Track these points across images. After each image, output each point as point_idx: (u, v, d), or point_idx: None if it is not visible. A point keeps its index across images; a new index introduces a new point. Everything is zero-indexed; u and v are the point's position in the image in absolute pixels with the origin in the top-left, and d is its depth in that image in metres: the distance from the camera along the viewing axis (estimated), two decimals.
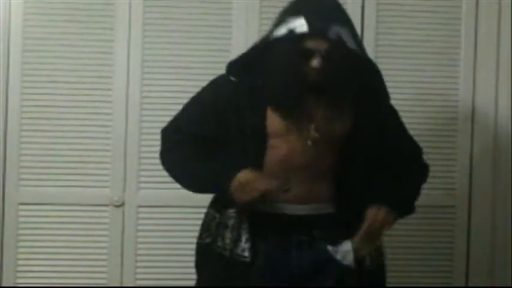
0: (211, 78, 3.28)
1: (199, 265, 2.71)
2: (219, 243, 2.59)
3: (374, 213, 2.50)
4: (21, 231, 3.29)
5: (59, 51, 3.30)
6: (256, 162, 2.51)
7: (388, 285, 3.40)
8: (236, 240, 2.54)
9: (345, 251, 2.55)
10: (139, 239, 3.32)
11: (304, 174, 2.53)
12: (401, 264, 3.37)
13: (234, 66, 2.60)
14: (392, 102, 3.41)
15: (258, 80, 2.53)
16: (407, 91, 3.41)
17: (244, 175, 2.46)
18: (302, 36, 2.42)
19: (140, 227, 3.32)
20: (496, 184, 3.44)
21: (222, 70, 3.29)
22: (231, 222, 2.58)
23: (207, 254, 2.65)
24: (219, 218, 2.62)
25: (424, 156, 3.43)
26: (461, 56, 3.43)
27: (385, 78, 3.37)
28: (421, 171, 2.75)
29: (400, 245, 3.38)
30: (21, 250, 3.30)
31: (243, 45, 3.28)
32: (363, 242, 2.53)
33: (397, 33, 3.41)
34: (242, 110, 2.53)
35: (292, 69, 2.45)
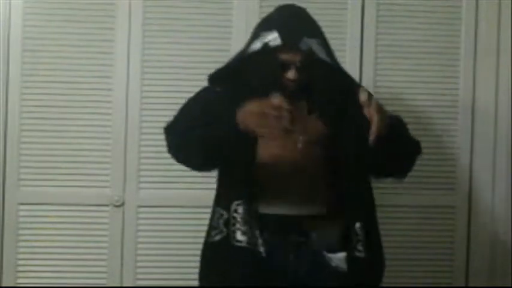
0: None
1: (212, 264, 2.69)
2: (239, 237, 2.60)
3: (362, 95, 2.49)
4: (21, 231, 3.30)
5: (59, 51, 3.30)
6: (249, 160, 2.58)
7: (388, 285, 3.41)
8: (251, 234, 2.59)
9: (339, 258, 2.62)
10: (139, 239, 3.32)
11: (298, 177, 2.59)
12: (401, 264, 3.37)
13: (214, 78, 2.73)
14: (392, 102, 3.43)
15: (240, 90, 2.61)
16: (408, 91, 3.41)
17: (249, 104, 2.46)
18: (276, 49, 2.55)
19: (140, 227, 3.32)
20: (496, 184, 3.44)
21: None
22: (239, 216, 2.60)
23: (222, 251, 2.65)
24: (226, 215, 2.63)
25: (424, 156, 3.44)
26: (461, 56, 3.43)
27: (385, 78, 3.41)
28: (413, 143, 2.75)
29: (400, 245, 3.38)
30: (21, 250, 3.30)
31: (243, 45, 3.28)
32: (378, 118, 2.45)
33: (397, 33, 3.41)
34: (229, 115, 2.54)
35: (271, 79, 2.57)
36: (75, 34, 3.30)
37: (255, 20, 3.28)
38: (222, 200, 2.67)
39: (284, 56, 2.56)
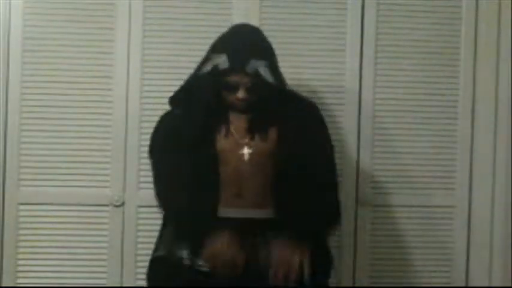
0: None
1: (153, 278, 2.92)
2: (178, 255, 2.81)
3: (283, 256, 2.75)
4: (21, 231, 3.29)
5: (59, 51, 3.30)
6: (215, 177, 2.81)
7: (389, 285, 3.41)
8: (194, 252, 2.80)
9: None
10: (139, 239, 3.32)
11: (250, 184, 2.82)
12: (401, 264, 3.37)
13: (173, 100, 2.97)
14: (392, 102, 3.43)
15: (196, 111, 2.87)
16: (408, 91, 3.41)
17: (214, 248, 2.73)
18: (224, 71, 2.77)
19: (140, 227, 3.32)
20: (496, 184, 3.44)
21: None
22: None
23: (163, 267, 2.86)
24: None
25: (424, 156, 3.44)
26: (461, 56, 3.43)
27: (385, 78, 3.41)
28: (327, 199, 2.90)
29: (400, 245, 3.38)
30: (21, 250, 3.30)
31: None
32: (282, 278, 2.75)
33: (397, 33, 3.41)
34: (193, 137, 2.84)
35: (220, 100, 2.83)
36: (75, 34, 3.30)
37: (255, 20, 3.29)
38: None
39: (232, 78, 2.77)
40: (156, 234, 3.32)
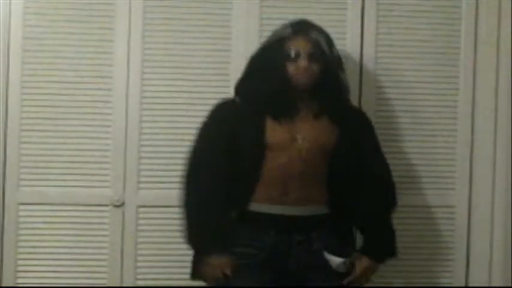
0: (211, 78, 3.31)
1: None
2: None
3: (360, 266, 2.87)
4: (21, 231, 3.29)
5: (59, 51, 3.29)
6: (254, 173, 2.78)
7: (389, 286, 3.41)
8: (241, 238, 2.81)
9: (338, 263, 2.82)
10: (140, 239, 3.32)
11: (300, 180, 2.79)
12: (401, 264, 3.37)
13: (239, 86, 2.91)
14: (392, 102, 3.43)
15: (254, 93, 2.83)
16: (408, 91, 3.41)
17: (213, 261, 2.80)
18: (286, 38, 2.81)
19: (140, 227, 3.32)
20: (496, 184, 3.44)
21: (222, 70, 3.31)
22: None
23: None
24: None
25: (424, 156, 3.44)
26: (461, 56, 3.43)
27: (385, 78, 3.41)
28: (389, 192, 3.03)
29: (401, 245, 3.37)
30: (21, 250, 3.29)
31: (243, 45, 3.28)
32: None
33: (397, 33, 3.41)
34: (244, 128, 2.81)
35: (281, 73, 2.79)
36: (75, 34, 3.29)
37: (255, 20, 3.29)
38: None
39: (294, 44, 2.79)
40: (156, 234, 3.32)
